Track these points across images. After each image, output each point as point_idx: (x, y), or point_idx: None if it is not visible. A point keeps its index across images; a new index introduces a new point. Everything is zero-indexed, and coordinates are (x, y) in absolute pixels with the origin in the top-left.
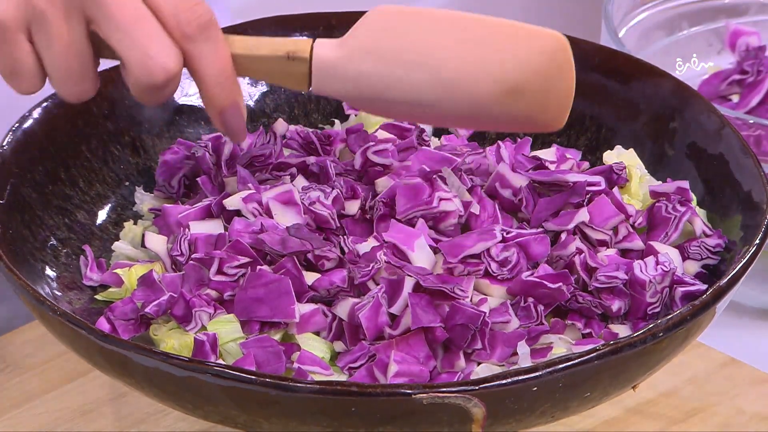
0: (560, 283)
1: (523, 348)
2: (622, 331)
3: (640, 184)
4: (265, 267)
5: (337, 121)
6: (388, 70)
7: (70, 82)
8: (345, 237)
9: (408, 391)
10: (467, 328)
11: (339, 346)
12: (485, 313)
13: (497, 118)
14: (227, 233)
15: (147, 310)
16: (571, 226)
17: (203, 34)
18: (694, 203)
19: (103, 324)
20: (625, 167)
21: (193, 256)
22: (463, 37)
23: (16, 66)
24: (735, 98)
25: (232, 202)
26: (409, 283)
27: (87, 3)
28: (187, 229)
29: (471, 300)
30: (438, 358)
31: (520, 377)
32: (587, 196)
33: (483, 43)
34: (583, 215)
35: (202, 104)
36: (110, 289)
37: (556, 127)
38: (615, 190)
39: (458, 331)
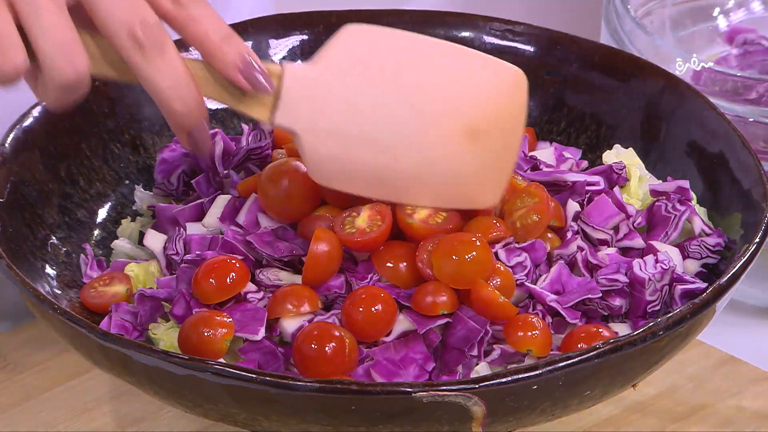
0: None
1: None
2: (621, 329)
3: (639, 184)
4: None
5: None
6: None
7: (66, 55)
8: None
9: (408, 390)
10: (467, 340)
11: None
12: (487, 329)
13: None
14: (221, 236)
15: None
16: (569, 222)
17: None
18: (694, 202)
19: (106, 323)
20: (624, 167)
21: (185, 257)
22: (436, 64)
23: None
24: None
25: (220, 203)
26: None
27: None
28: (182, 229)
29: None
30: (437, 359)
31: (521, 376)
32: (587, 196)
33: (454, 72)
34: (574, 206)
35: None
36: None
37: (489, 201)
38: (615, 189)
39: (457, 342)
